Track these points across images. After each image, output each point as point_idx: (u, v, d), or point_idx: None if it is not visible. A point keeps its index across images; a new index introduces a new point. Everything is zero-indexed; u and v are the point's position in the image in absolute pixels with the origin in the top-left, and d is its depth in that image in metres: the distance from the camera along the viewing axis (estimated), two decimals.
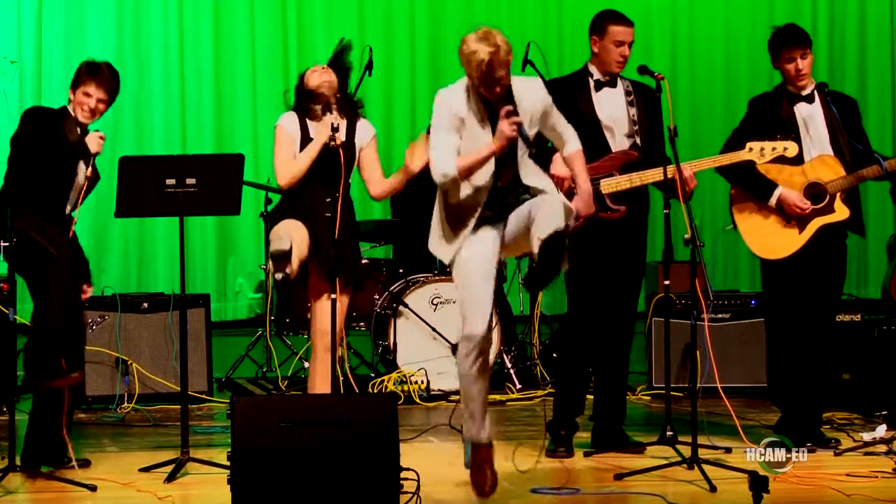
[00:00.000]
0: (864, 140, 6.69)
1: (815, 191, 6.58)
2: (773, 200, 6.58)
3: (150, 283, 10.76)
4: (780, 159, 6.48)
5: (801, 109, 6.65)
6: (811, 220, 6.57)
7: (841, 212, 6.60)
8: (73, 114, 6.23)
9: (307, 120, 6.35)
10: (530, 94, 5.52)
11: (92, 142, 6.17)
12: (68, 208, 6.25)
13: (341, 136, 6.27)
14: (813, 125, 6.63)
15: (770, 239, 6.62)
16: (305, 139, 6.33)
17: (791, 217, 6.59)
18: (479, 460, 5.56)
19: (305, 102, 6.37)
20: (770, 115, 6.63)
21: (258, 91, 11.06)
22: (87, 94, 6.20)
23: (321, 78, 6.38)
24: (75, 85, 6.26)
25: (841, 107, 6.67)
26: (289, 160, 6.30)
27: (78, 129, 6.20)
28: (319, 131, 6.29)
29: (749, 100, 6.86)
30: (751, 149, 6.43)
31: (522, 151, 5.45)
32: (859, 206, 6.72)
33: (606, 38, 6.52)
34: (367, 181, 6.53)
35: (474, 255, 5.50)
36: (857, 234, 6.76)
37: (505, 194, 5.50)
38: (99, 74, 6.23)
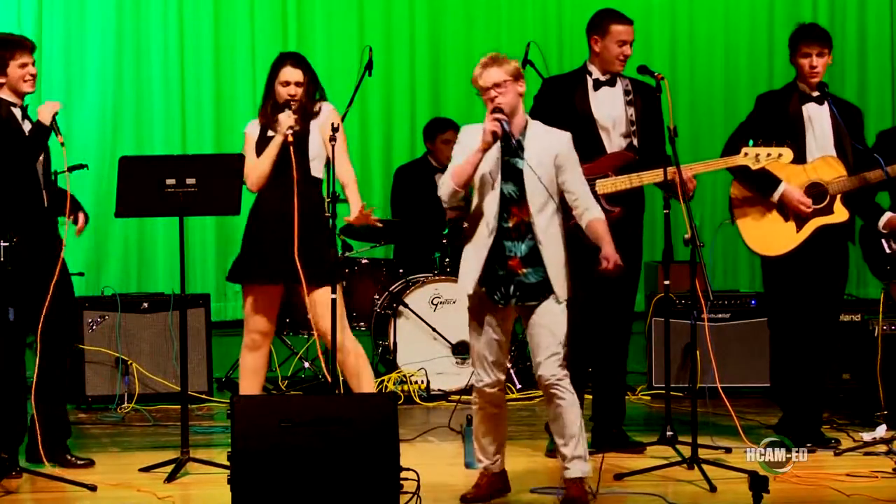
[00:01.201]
0: (865, 149, 6.69)
1: (815, 191, 6.58)
2: (775, 196, 6.58)
3: (150, 283, 10.75)
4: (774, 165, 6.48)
5: (809, 109, 6.65)
6: (810, 220, 6.57)
7: (840, 213, 6.60)
8: (6, 97, 6.20)
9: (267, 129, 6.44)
10: (545, 138, 5.56)
11: (45, 114, 6.13)
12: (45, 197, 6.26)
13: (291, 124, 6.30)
14: (819, 125, 6.63)
15: (767, 235, 6.62)
16: (262, 142, 6.41)
17: (790, 215, 6.59)
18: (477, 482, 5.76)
19: (272, 112, 6.43)
20: (777, 112, 6.63)
21: (258, 91, 11.00)
22: (25, 65, 6.21)
23: (288, 93, 6.42)
24: (2, 66, 6.20)
25: (846, 114, 6.67)
26: (254, 164, 6.39)
27: (15, 111, 6.20)
28: (278, 128, 6.37)
29: (757, 96, 6.86)
30: (745, 154, 6.42)
31: (538, 198, 5.47)
32: (854, 214, 6.71)
33: (608, 38, 6.51)
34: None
35: (480, 339, 5.61)
36: (852, 242, 6.75)
37: (512, 244, 5.51)
38: (21, 44, 6.24)
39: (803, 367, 6.64)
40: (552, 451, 6.45)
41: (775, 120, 6.58)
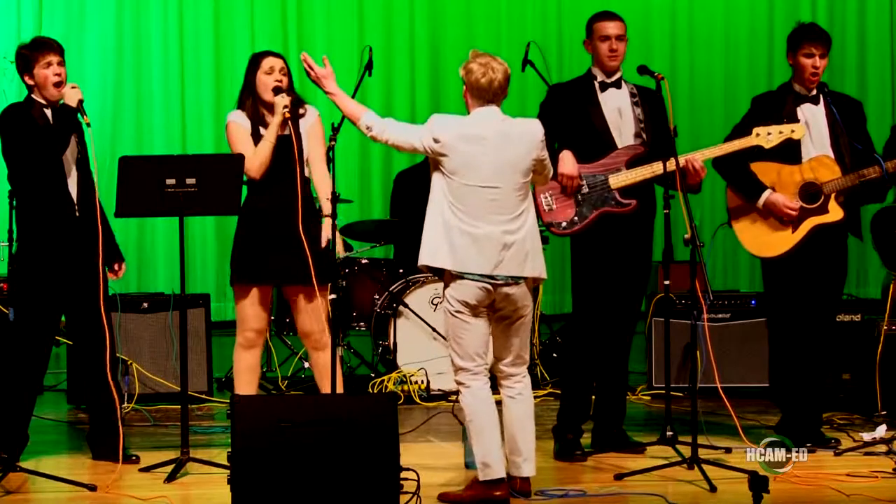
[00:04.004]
0: (866, 143, 6.69)
1: (810, 191, 6.58)
2: (760, 202, 6.59)
3: (150, 283, 10.77)
4: (782, 152, 6.47)
5: (804, 109, 6.65)
6: (804, 220, 6.58)
7: (835, 213, 6.59)
8: (39, 99, 6.25)
9: (258, 125, 6.40)
10: None
11: (70, 97, 6.18)
12: (72, 187, 6.29)
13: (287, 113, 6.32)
14: (815, 125, 6.63)
15: (763, 237, 6.63)
16: (256, 136, 6.38)
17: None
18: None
19: (259, 109, 6.42)
20: (772, 112, 6.63)
21: None
22: (49, 64, 6.27)
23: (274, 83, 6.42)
24: (29, 68, 6.28)
25: (846, 109, 6.67)
26: (253, 151, 6.34)
27: (48, 112, 6.24)
28: (276, 110, 6.34)
29: (753, 97, 6.87)
30: (758, 134, 6.43)
31: None
32: (858, 208, 6.71)
33: (594, 37, 6.57)
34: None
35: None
36: (855, 236, 6.75)
37: None
38: (47, 45, 6.32)
39: (803, 367, 6.64)
40: (564, 455, 6.46)
41: (771, 121, 6.58)
